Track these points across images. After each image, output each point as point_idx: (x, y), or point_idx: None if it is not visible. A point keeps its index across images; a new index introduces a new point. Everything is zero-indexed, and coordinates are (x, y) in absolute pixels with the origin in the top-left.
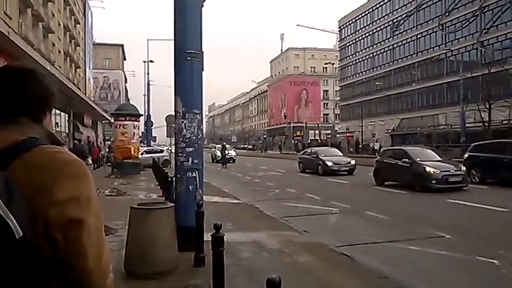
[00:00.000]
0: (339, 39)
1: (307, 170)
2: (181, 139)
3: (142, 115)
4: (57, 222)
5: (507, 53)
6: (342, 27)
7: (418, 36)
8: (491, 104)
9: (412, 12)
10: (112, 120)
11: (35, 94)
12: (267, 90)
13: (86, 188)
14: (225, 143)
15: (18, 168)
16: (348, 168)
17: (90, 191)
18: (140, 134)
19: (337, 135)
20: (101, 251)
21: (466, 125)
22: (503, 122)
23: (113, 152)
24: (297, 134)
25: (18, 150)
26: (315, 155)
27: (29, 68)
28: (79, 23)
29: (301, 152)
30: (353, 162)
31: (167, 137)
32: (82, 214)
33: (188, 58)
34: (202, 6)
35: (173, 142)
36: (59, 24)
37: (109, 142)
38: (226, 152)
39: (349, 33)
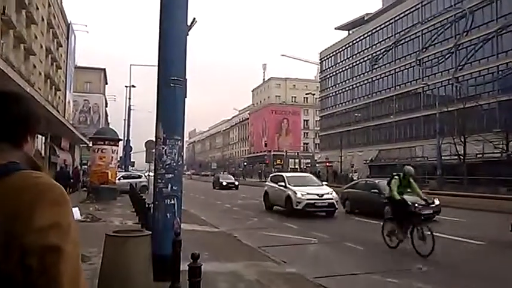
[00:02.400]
0: (319, 71)
1: (356, 210)
2: (161, 165)
3: (121, 140)
4: (35, 248)
5: (480, 89)
6: (322, 59)
7: (396, 70)
8: (466, 138)
9: (391, 47)
10: (90, 144)
11: (17, 119)
12: (248, 118)
13: (66, 215)
14: (411, 167)
15: None
16: (431, 211)
17: (70, 218)
18: (118, 159)
19: (317, 165)
20: (77, 280)
21: (442, 157)
22: (478, 155)
23: (89, 177)
24: (277, 162)
25: None
26: (375, 190)
27: (12, 92)
28: (62, 46)
29: (348, 186)
30: (437, 201)
31: (146, 162)
32: (61, 242)
33: (172, 85)
34: (187, 35)
35: (152, 168)
36: (41, 47)
37: (85, 166)
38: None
39: (329, 66)
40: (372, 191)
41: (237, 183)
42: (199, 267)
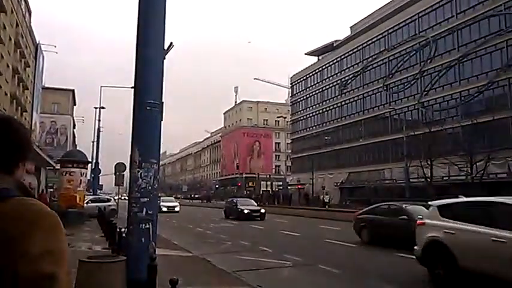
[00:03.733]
0: (290, 95)
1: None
2: (136, 189)
3: (90, 162)
4: (29, 276)
5: (445, 114)
6: (293, 83)
7: (365, 95)
8: (433, 161)
9: (359, 72)
10: (57, 167)
11: (9, 146)
12: (220, 141)
13: (60, 242)
14: None
15: None
16: None
17: (63, 245)
18: (86, 182)
19: (289, 187)
20: None
21: (410, 180)
22: (444, 178)
23: (56, 201)
24: (249, 184)
25: None
26: (404, 217)
27: (4, 118)
28: (29, 66)
29: (364, 211)
30: None
31: (116, 185)
32: (55, 269)
33: (148, 108)
34: (164, 59)
35: (121, 191)
36: (8, 66)
37: (51, 190)
38: None
39: (300, 90)
40: (400, 217)
41: (263, 210)
42: None
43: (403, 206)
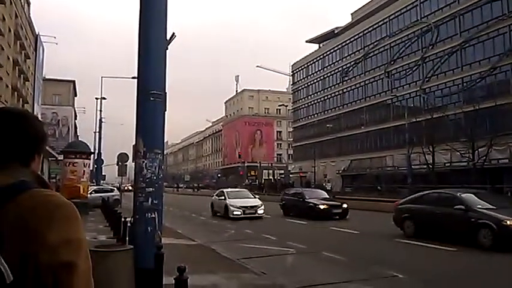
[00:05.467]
0: (291, 83)
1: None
2: (141, 179)
3: (93, 153)
4: (49, 265)
5: (447, 100)
6: (294, 71)
7: (366, 82)
8: (435, 148)
9: (360, 59)
10: (59, 158)
11: (26, 138)
12: (221, 130)
13: (77, 231)
14: None
15: (9, 211)
16: None
17: (81, 234)
18: (89, 172)
19: (291, 175)
20: None
21: (412, 166)
22: (446, 164)
23: (59, 191)
24: (251, 173)
25: (10, 193)
26: (460, 207)
27: (21, 111)
28: (29, 58)
29: (408, 199)
30: None
31: (119, 175)
32: (74, 258)
33: (151, 98)
34: (167, 49)
35: (124, 181)
36: (8, 58)
37: (54, 181)
38: None
39: (301, 78)
40: (456, 207)
41: (345, 205)
42: (185, 280)
43: (458, 194)
